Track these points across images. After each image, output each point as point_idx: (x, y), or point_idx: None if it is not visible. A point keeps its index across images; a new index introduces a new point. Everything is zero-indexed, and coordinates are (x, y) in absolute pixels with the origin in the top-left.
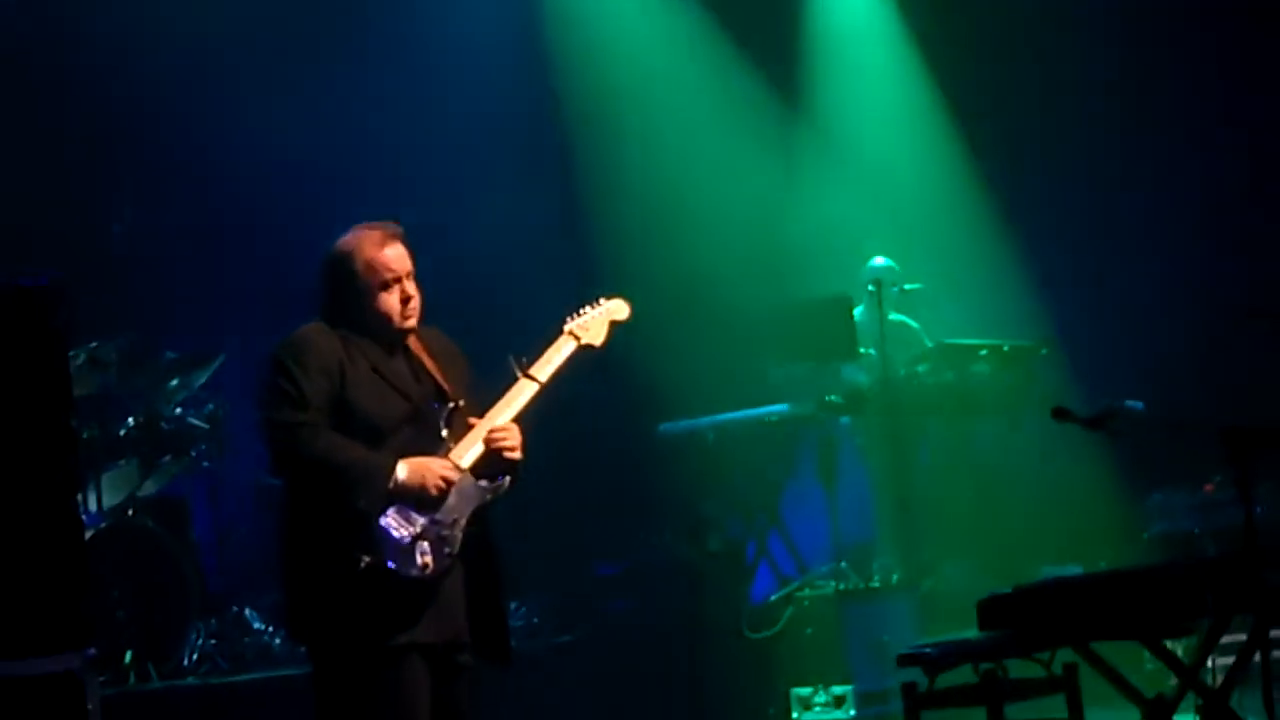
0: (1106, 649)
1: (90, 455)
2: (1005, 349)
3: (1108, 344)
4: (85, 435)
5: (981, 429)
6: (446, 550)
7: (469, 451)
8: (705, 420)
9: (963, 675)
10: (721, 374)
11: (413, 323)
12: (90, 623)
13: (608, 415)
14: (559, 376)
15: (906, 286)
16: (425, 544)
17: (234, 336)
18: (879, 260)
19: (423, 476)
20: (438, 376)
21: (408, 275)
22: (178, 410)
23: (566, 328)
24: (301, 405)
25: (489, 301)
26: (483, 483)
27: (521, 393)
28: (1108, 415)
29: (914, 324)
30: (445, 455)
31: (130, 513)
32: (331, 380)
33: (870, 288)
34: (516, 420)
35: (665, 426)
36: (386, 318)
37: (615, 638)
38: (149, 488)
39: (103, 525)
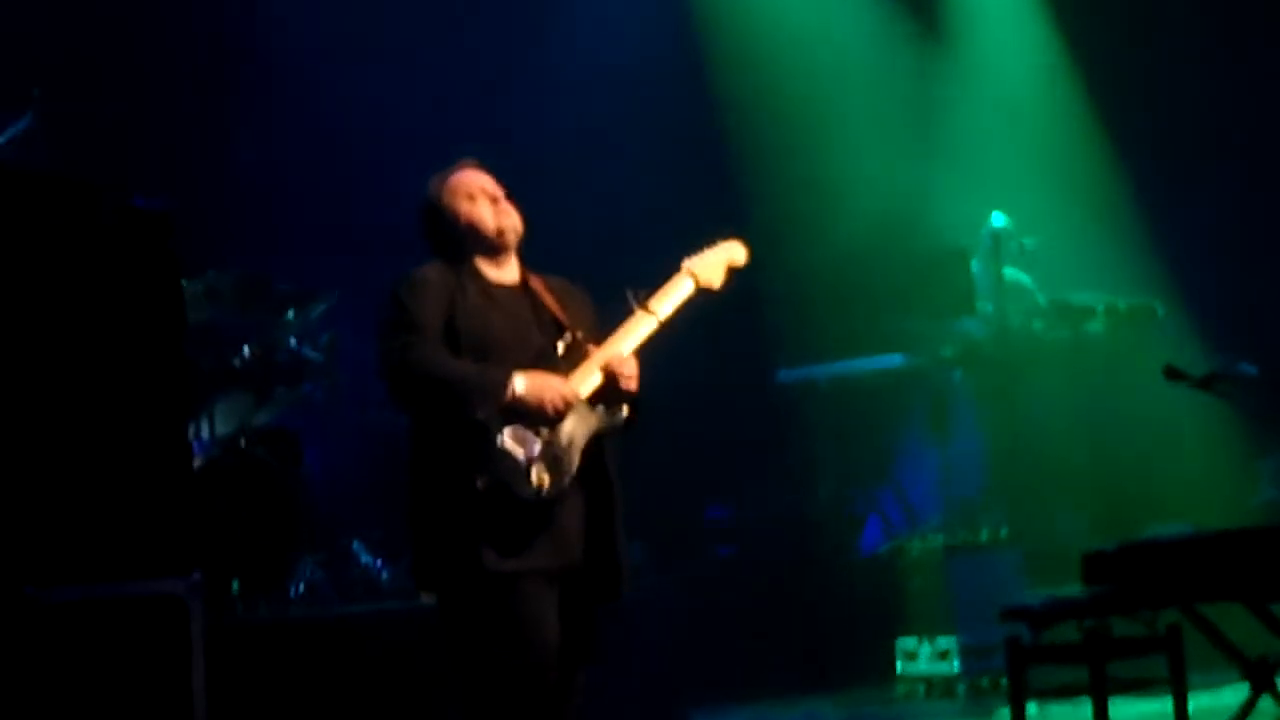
0: (1210, 609)
1: (204, 384)
2: (1121, 307)
3: (1227, 305)
4: (200, 365)
5: (1095, 386)
6: (563, 472)
7: (587, 380)
8: (821, 369)
9: (1067, 631)
10: (841, 322)
11: (510, 222)
12: (197, 548)
13: (726, 360)
14: (678, 317)
15: (1025, 242)
16: (542, 464)
17: (353, 273)
18: (998, 215)
19: (541, 393)
20: (555, 309)
21: (492, 190)
22: (292, 342)
23: (685, 265)
24: (414, 328)
25: (610, 246)
26: (600, 409)
27: (639, 326)
28: (1219, 378)
29: (1030, 280)
30: (563, 375)
31: (242, 443)
32: (444, 308)
33: (988, 242)
34: (635, 354)
35: (783, 374)
36: (479, 228)
37: (720, 583)
38: (261, 418)
39: (214, 454)
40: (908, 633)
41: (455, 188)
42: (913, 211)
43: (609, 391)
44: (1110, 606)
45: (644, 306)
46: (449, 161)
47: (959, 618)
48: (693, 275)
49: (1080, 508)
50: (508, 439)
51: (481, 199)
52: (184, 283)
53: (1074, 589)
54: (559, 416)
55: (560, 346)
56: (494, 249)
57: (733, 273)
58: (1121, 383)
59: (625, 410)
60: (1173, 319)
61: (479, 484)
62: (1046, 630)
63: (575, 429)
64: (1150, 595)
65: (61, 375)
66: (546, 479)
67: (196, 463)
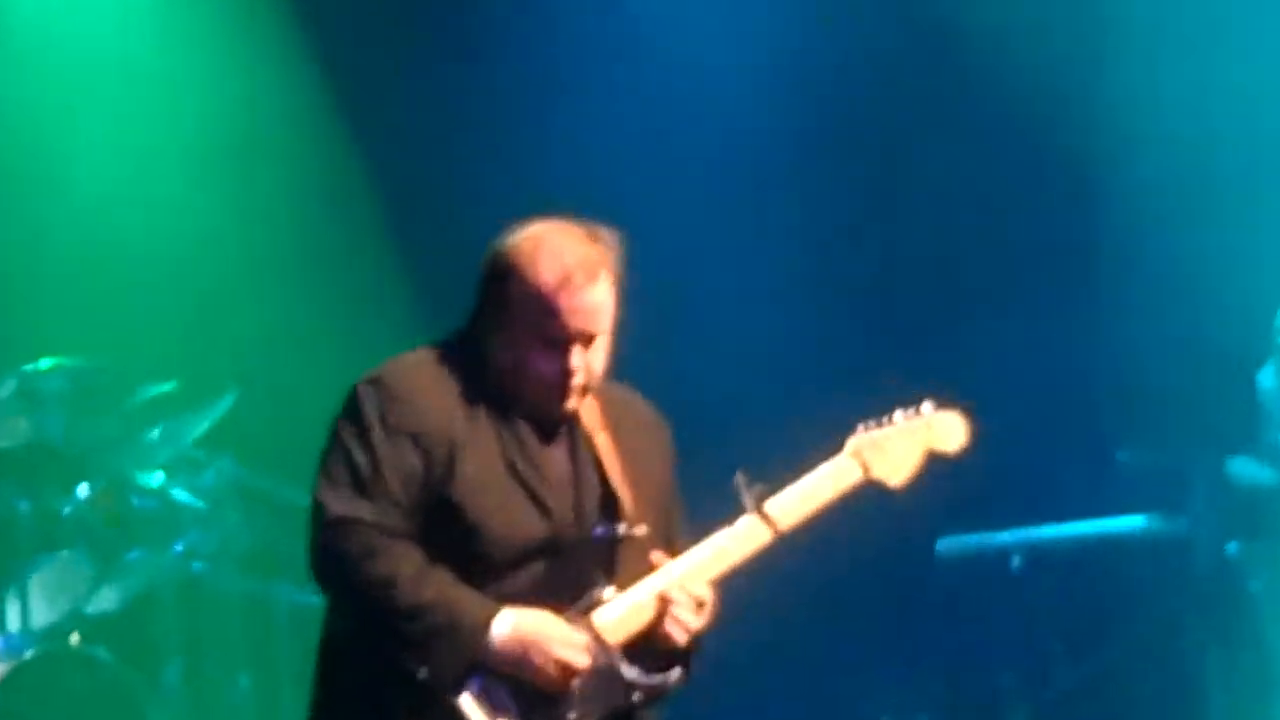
0: None
1: (15, 542)
2: None
3: None
4: (10, 510)
5: None
6: None
7: (629, 617)
8: (1009, 536)
9: None
10: (1038, 464)
11: (572, 404)
12: None
13: (863, 521)
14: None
15: None
16: None
17: (260, 362)
18: None
19: (527, 653)
20: (613, 477)
21: (592, 337)
22: (158, 478)
23: (852, 444)
24: (368, 489)
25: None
26: (634, 673)
27: (745, 539)
28: None
29: None
30: (588, 612)
31: (74, 636)
32: (430, 460)
33: None
34: (714, 584)
35: (945, 543)
36: (534, 388)
37: None
38: (107, 598)
39: (28, 654)
40: None
41: (549, 304)
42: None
43: (659, 638)
44: None
45: (760, 510)
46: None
47: None
48: (861, 463)
49: None
50: (471, 703)
51: (562, 353)
52: None
53: None
54: (557, 688)
55: (607, 546)
56: (534, 415)
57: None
58: None
59: (675, 676)
60: None
61: None
62: None
63: (587, 702)
64: None
65: None
66: None
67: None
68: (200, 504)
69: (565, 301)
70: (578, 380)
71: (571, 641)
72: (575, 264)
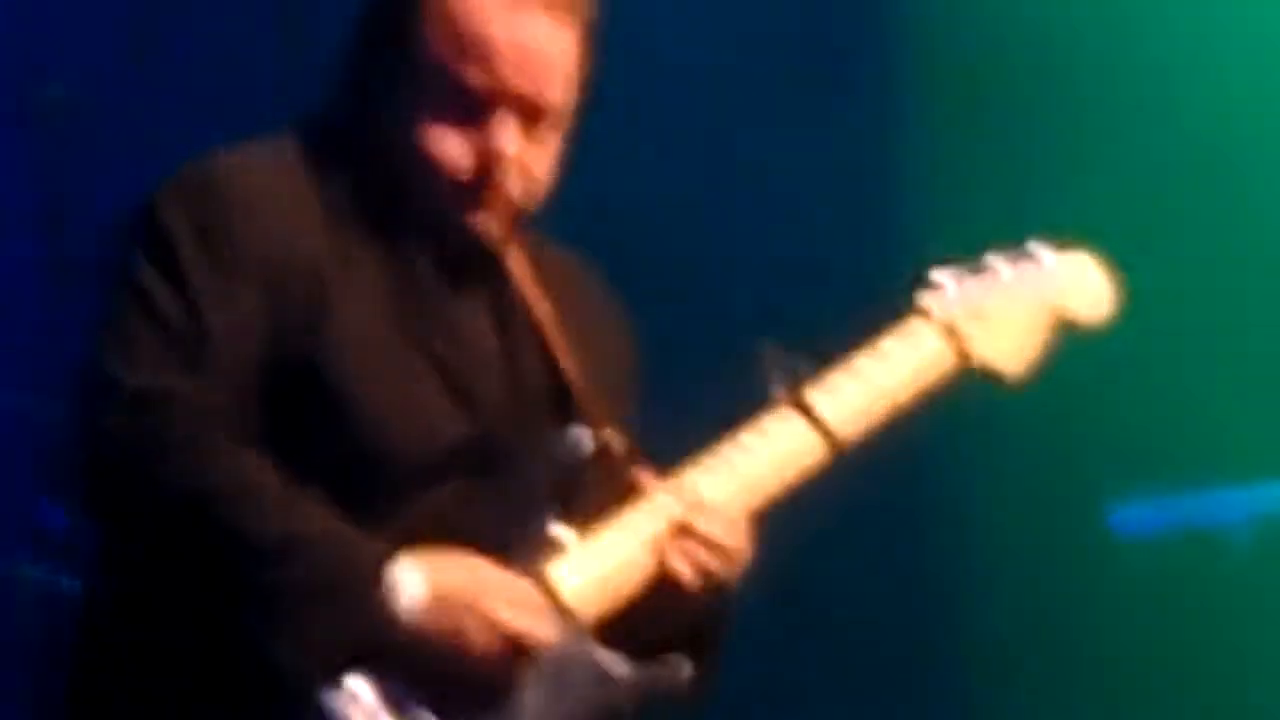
0: None
1: None
2: None
3: None
4: None
5: None
6: None
7: (604, 573)
8: (1226, 499)
9: None
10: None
11: (487, 217)
12: None
13: (1004, 483)
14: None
15: None
16: None
17: None
18: None
19: (453, 621)
20: (558, 355)
21: (532, 107)
22: None
23: (933, 306)
24: (186, 352)
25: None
26: (617, 664)
27: (785, 449)
28: None
29: None
30: (534, 565)
31: None
32: (282, 306)
33: None
34: (752, 513)
35: (1123, 515)
36: (432, 185)
37: None
38: None
39: None
40: None
41: (456, 28)
42: None
43: (654, 605)
44: None
45: (796, 401)
46: None
47: None
48: (952, 336)
49: None
50: (350, 704)
51: (467, 123)
52: None
53: None
54: (499, 677)
55: (564, 459)
56: (437, 239)
57: (1063, 329)
58: None
59: (682, 669)
60: None
61: None
62: None
63: (544, 706)
64: None
65: None
66: None
67: None
68: None
69: (491, 29)
70: (503, 172)
71: (523, 600)
72: None
